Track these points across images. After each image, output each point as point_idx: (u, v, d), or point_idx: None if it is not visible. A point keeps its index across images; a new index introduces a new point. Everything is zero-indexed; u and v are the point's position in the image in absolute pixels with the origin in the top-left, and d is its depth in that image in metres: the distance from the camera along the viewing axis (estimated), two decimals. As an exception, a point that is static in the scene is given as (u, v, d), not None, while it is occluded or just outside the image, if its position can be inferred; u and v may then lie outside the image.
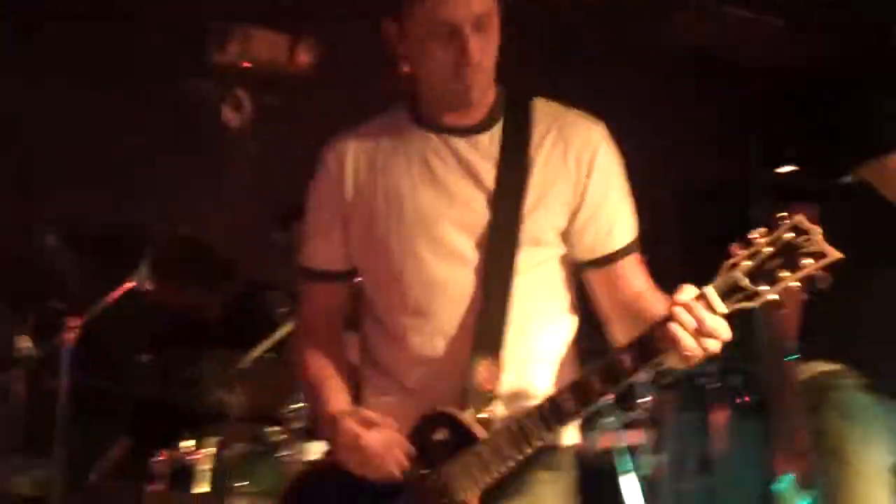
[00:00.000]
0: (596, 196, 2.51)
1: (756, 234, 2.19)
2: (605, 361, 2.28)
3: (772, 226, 2.19)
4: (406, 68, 2.55)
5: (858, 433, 3.22)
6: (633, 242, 2.56)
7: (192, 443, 4.08)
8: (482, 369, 2.45)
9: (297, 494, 2.67)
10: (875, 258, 3.20)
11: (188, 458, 4.00)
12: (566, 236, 2.52)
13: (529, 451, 2.35)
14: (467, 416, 2.43)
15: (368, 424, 2.43)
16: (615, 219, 2.54)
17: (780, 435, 5.66)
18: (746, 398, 5.13)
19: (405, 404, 2.51)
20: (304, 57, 5.39)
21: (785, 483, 5.24)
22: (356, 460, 2.44)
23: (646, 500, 4.54)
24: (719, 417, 5.04)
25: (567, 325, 2.57)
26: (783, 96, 6.10)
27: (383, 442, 2.42)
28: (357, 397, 2.61)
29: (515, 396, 2.48)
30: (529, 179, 2.49)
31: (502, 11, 2.46)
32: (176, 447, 4.03)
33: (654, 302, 2.45)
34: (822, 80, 5.79)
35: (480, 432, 2.40)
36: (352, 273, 2.66)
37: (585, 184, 2.50)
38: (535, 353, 2.52)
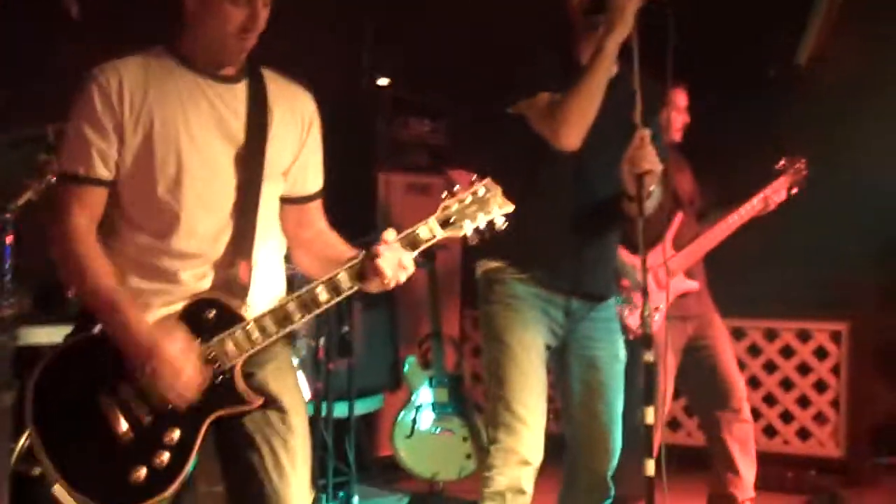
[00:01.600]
0: (308, 150, 3.18)
1: (458, 188, 3.03)
2: (347, 269, 2.94)
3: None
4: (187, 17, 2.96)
5: (517, 319, 3.79)
6: (321, 190, 3.25)
7: None
8: (241, 267, 2.99)
9: (56, 372, 2.94)
10: (525, 175, 3.75)
11: None
12: (284, 176, 3.15)
13: (288, 329, 2.97)
14: (234, 301, 2.97)
15: (184, 353, 2.84)
16: (316, 169, 3.23)
17: (403, 323, 6.36)
18: (375, 292, 5.73)
19: (175, 293, 2.96)
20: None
21: (408, 365, 5.95)
22: (167, 386, 2.83)
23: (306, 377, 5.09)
24: (355, 307, 5.64)
25: (283, 242, 3.19)
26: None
27: (192, 376, 2.85)
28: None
29: (261, 287, 3.03)
30: (270, 128, 3.06)
31: None
32: None
33: (335, 240, 3.19)
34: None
35: (244, 313, 2.94)
36: (115, 182, 2.96)
37: (304, 139, 3.16)
38: (270, 257, 3.11)
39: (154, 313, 2.93)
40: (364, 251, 2.96)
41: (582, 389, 3.89)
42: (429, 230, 2.98)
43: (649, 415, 3.46)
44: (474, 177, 3.06)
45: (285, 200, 3.18)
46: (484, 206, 3.03)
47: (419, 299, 6.25)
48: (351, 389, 5.45)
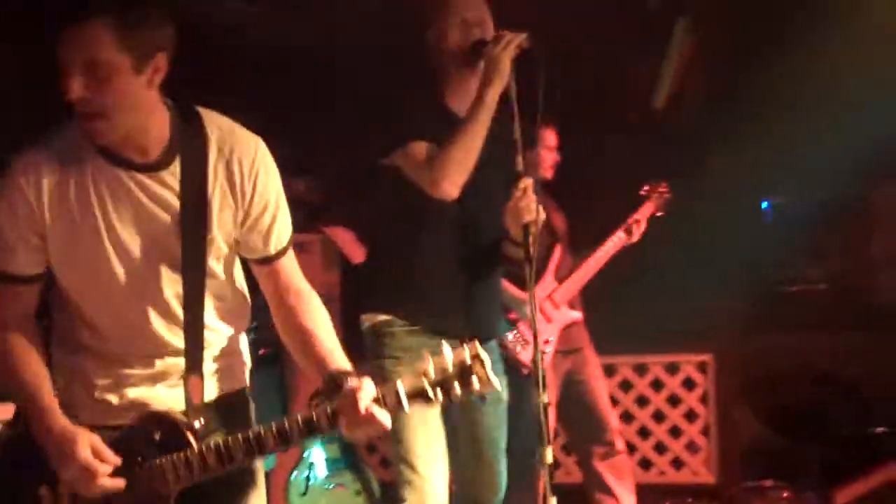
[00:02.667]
0: (258, 207, 2.82)
1: (445, 351, 2.67)
2: (303, 417, 2.70)
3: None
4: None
5: (405, 371, 3.85)
6: (286, 246, 2.92)
7: None
8: (192, 385, 2.80)
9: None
10: (406, 226, 3.84)
11: None
12: (236, 243, 2.86)
13: (230, 468, 2.71)
14: (183, 423, 2.75)
15: (99, 456, 2.66)
16: (271, 223, 2.86)
17: (293, 383, 6.35)
18: (262, 351, 5.73)
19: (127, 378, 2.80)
20: None
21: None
22: (77, 482, 2.66)
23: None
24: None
25: (245, 321, 2.99)
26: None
27: (106, 480, 2.66)
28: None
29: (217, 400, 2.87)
30: (208, 209, 2.76)
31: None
32: None
33: (315, 327, 2.87)
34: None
35: (192, 440, 2.73)
36: (45, 274, 2.79)
37: (251, 197, 2.80)
38: (226, 359, 2.92)
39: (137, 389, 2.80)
40: (335, 390, 2.72)
41: (466, 432, 3.97)
42: (396, 399, 2.67)
43: (548, 454, 3.55)
44: None
45: (256, 262, 2.92)
46: (466, 379, 2.68)
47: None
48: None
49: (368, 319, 3.93)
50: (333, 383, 2.75)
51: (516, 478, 4.10)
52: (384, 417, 2.66)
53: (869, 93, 6.24)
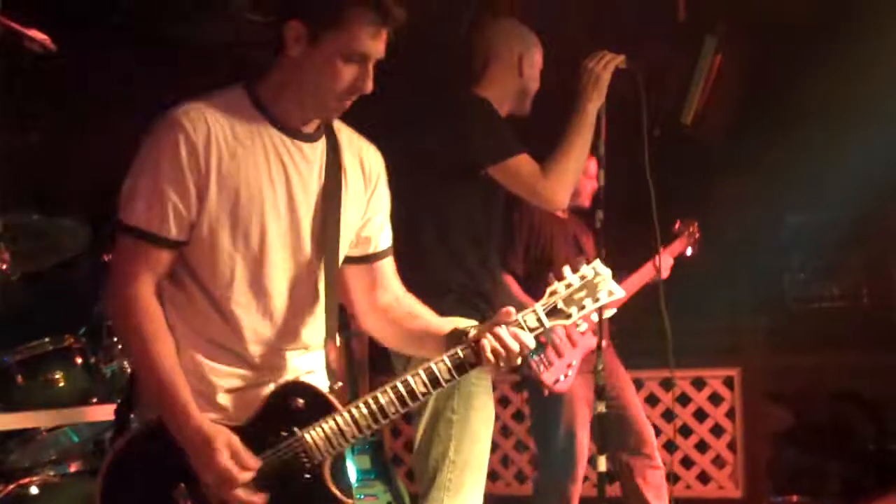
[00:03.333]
0: (375, 206, 2.98)
1: (567, 272, 2.80)
2: (450, 356, 2.71)
3: (576, 266, 2.85)
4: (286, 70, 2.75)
5: (485, 388, 3.83)
6: (391, 247, 3.05)
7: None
8: (330, 350, 2.84)
9: (131, 459, 2.70)
10: (470, 236, 3.92)
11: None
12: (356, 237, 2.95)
13: (383, 424, 2.72)
14: (323, 388, 2.76)
15: (238, 461, 2.59)
16: (385, 225, 3.03)
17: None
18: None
19: (248, 377, 2.76)
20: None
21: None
22: (216, 487, 2.60)
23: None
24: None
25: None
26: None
27: (241, 492, 2.60)
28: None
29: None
30: (345, 190, 2.86)
31: None
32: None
33: (420, 310, 2.98)
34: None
35: (337, 404, 2.70)
36: (182, 244, 2.70)
37: (371, 195, 2.95)
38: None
39: (221, 396, 2.74)
40: (465, 336, 2.75)
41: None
42: (536, 319, 2.78)
43: (601, 463, 3.59)
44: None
45: (355, 260, 2.98)
46: (592, 292, 2.83)
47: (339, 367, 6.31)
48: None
49: None
50: (461, 335, 2.79)
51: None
52: (528, 339, 2.73)
53: (893, 111, 6.29)
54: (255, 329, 2.77)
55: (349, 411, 2.68)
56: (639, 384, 7.00)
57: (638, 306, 5.82)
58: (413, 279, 3.18)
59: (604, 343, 5.34)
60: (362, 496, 5.81)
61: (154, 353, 2.64)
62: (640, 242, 5.68)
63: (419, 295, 3.13)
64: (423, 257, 3.83)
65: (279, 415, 2.69)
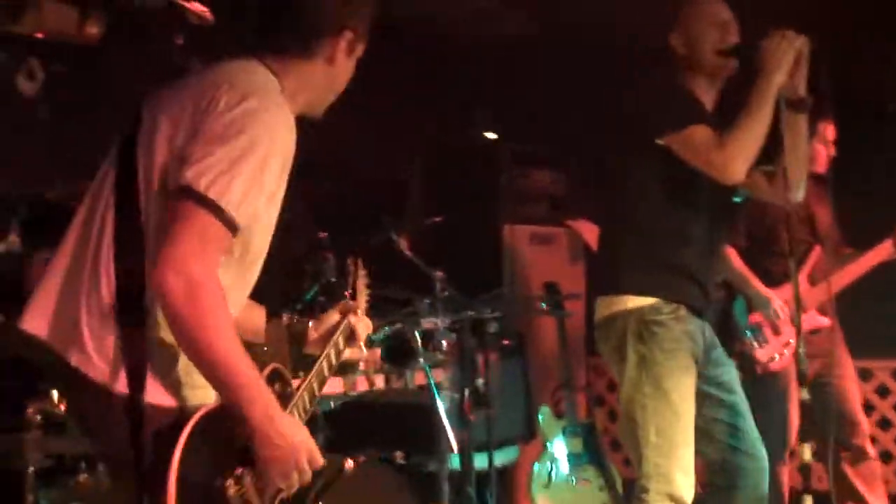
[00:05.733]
0: None
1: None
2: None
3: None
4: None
5: (676, 368, 3.77)
6: None
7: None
8: None
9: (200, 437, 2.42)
10: (674, 207, 3.86)
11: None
12: None
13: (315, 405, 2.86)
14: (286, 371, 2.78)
15: (312, 462, 2.54)
16: None
17: (535, 374, 6.42)
18: (507, 342, 5.82)
19: None
20: (92, 28, 5.61)
21: (542, 414, 6.02)
22: (283, 474, 2.51)
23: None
24: (490, 359, 5.70)
25: None
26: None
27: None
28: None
29: None
30: None
31: None
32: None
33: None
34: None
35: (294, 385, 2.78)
36: None
37: None
38: None
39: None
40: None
41: (728, 414, 3.93)
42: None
43: (807, 452, 3.50)
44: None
45: None
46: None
47: (548, 349, 6.33)
48: (490, 441, 5.49)
49: (624, 303, 3.87)
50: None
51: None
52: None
53: None
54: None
55: (303, 388, 2.83)
56: (868, 374, 6.73)
57: (868, 293, 5.60)
58: None
59: (826, 322, 5.23)
60: (575, 479, 5.79)
61: (237, 345, 2.43)
62: (875, 217, 5.46)
63: None
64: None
65: None
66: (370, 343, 4.39)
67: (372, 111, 5.97)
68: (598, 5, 5.87)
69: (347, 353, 3.06)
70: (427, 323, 4.86)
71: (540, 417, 5.94)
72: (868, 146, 6.15)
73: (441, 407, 4.65)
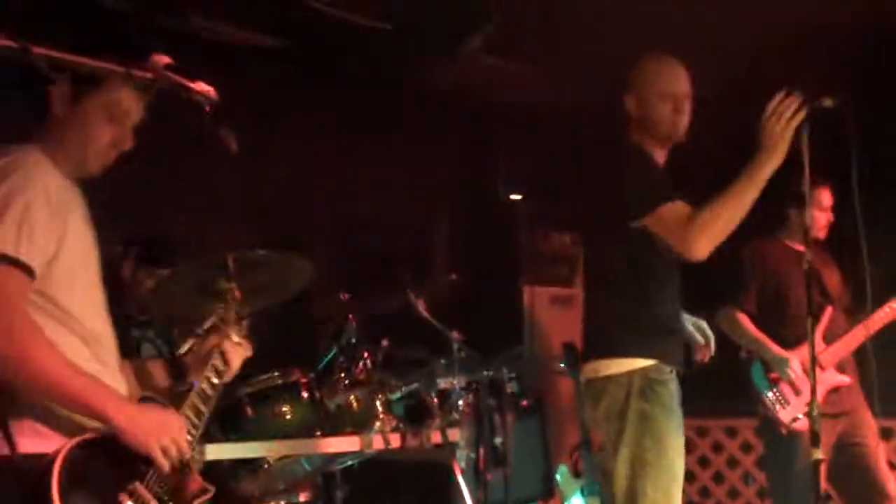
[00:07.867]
0: None
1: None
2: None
3: None
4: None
5: (673, 427, 3.85)
6: None
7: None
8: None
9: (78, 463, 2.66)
10: (657, 280, 3.96)
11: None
12: None
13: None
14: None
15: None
16: None
17: (553, 433, 6.46)
18: (525, 403, 5.87)
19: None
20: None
21: (561, 474, 6.05)
22: (158, 442, 2.80)
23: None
24: (508, 419, 5.75)
25: None
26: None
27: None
28: None
29: None
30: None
31: None
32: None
33: None
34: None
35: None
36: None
37: None
38: None
39: None
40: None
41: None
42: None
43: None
44: None
45: None
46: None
47: (566, 408, 6.37)
48: (508, 499, 5.52)
49: (629, 364, 3.92)
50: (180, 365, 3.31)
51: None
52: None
53: None
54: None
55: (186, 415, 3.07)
56: (890, 433, 6.72)
57: (887, 349, 5.60)
58: None
59: (847, 380, 5.24)
60: (592, 537, 5.81)
61: (67, 363, 2.70)
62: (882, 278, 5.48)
63: None
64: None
65: None
66: (388, 407, 4.34)
67: (394, 171, 6.07)
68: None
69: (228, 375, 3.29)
70: (443, 383, 4.92)
71: (558, 477, 5.97)
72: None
73: (458, 466, 4.68)
